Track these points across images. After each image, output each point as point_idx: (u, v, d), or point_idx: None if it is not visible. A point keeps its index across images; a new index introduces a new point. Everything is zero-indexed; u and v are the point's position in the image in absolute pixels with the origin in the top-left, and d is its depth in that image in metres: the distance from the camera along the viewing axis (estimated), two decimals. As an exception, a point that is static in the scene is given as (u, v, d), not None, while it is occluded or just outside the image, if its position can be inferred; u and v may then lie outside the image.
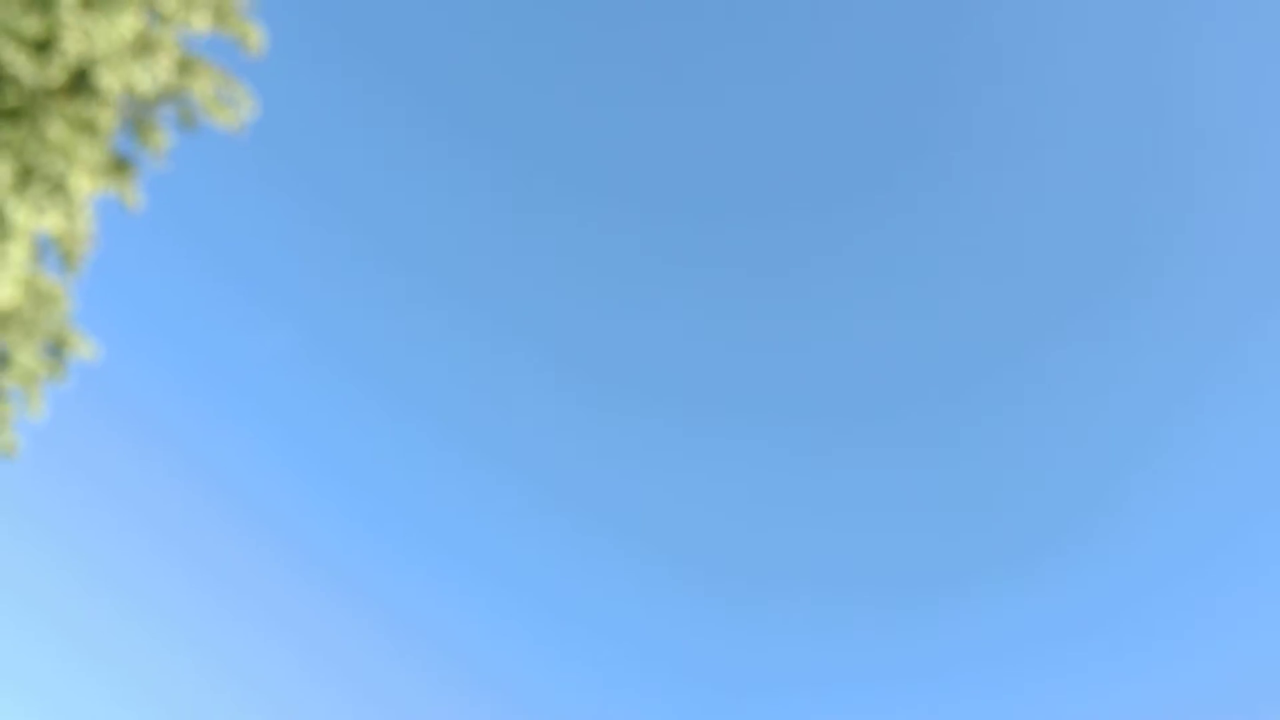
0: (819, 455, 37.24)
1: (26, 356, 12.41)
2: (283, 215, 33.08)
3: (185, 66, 12.92)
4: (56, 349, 12.55)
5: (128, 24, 11.96)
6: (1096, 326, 36.19)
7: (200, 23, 12.62)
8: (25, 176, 11.84)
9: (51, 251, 12.71)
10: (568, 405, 36.80)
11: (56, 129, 11.87)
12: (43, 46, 11.87)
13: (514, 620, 33.06)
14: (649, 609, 34.43)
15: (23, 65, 11.67)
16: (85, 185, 12.17)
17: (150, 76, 11.84)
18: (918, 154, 35.94)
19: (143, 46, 11.82)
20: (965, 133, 35.39)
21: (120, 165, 13.17)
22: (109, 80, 12.06)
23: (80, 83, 11.96)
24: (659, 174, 37.25)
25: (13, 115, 11.93)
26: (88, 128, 11.82)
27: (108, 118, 12.06)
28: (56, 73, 11.87)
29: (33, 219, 11.66)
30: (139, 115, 13.17)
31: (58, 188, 12.03)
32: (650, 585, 34.77)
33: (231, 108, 13.46)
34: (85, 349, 12.57)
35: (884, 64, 35.27)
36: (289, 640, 30.81)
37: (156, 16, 12.21)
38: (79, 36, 11.79)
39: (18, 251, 11.57)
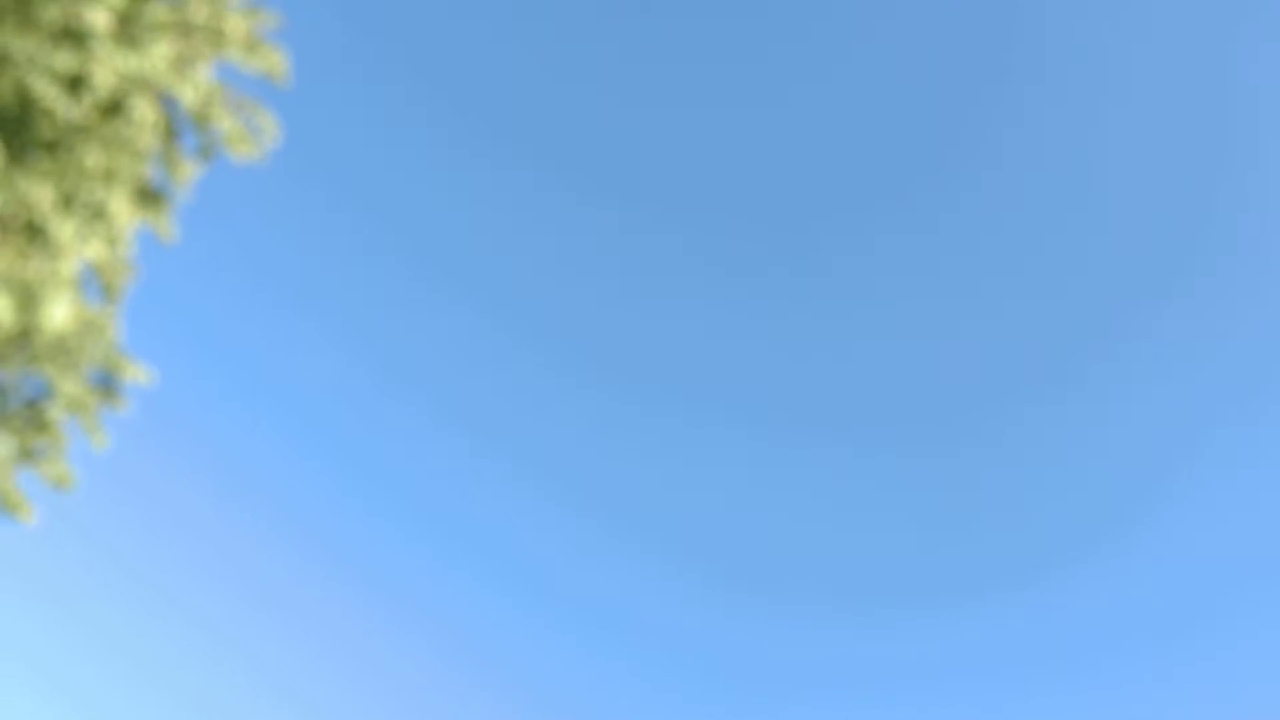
0: (838, 457, 37.51)
1: (73, 386, 12.44)
2: (312, 226, 33.66)
3: (211, 95, 13.20)
4: (108, 377, 12.59)
5: (161, 53, 12.23)
6: (1121, 336, 36.75)
7: (230, 52, 12.92)
8: (66, 203, 12.01)
9: (93, 282, 12.84)
10: (596, 408, 37.18)
11: (94, 156, 12.07)
12: (76, 82, 12.12)
13: (533, 617, 33.26)
14: (665, 607, 34.52)
15: (56, 100, 11.90)
16: (125, 212, 12.34)
17: (191, 88, 12.08)
18: (942, 159, 36.71)
19: (181, 63, 12.08)
20: (987, 140, 36.16)
21: (154, 197, 13.37)
22: (141, 106, 12.29)
23: (116, 108, 12.19)
24: (686, 177, 37.91)
25: (50, 147, 12.13)
26: (126, 147, 12.03)
27: (145, 140, 12.27)
28: (90, 107, 12.11)
29: (77, 242, 11.81)
30: (168, 147, 13.40)
31: (98, 215, 12.20)
32: (667, 584, 34.92)
33: (255, 137, 13.71)
34: (139, 374, 12.61)
35: (912, 68, 36.16)
36: (321, 640, 31.01)
37: (188, 38, 12.49)
38: (112, 70, 12.05)
39: (66, 270, 11.69)
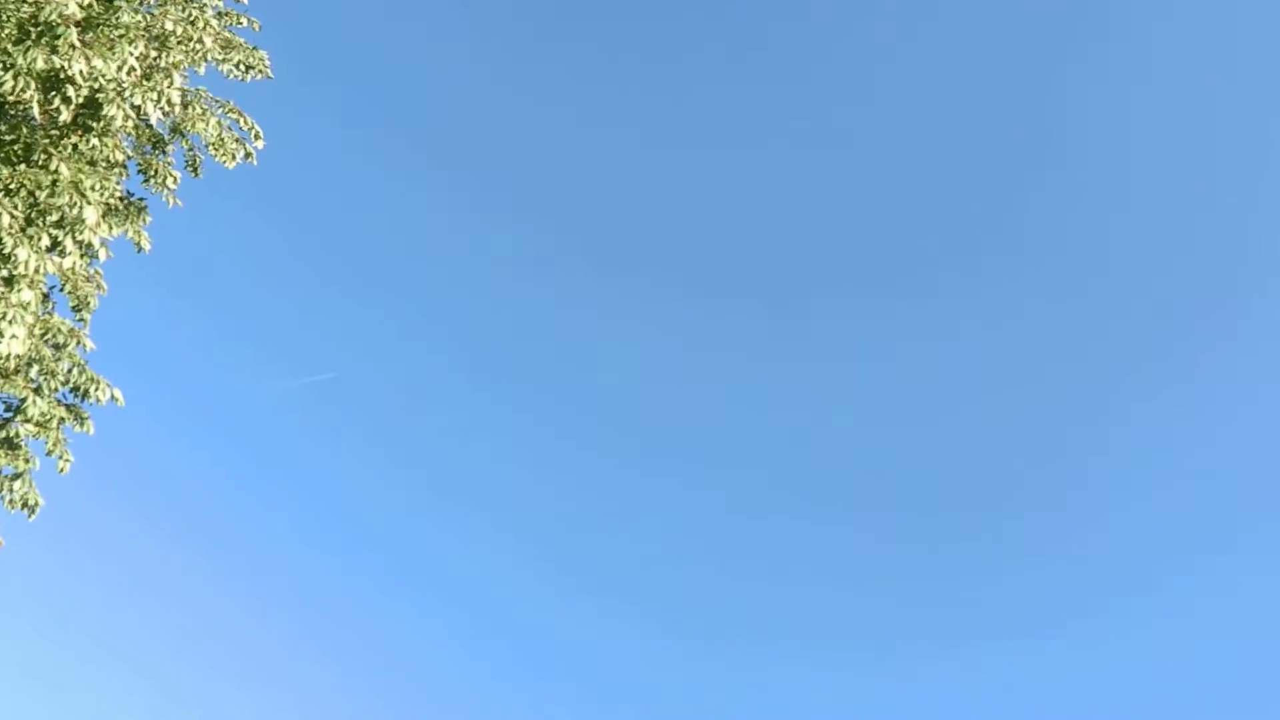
0: (833, 519, 37.22)
1: (41, 405, 11.89)
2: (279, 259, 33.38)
3: (190, 99, 12.62)
4: (76, 395, 12.03)
5: (135, 55, 11.62)
6: (1127, 414, 36.31)
7: (207, 51, 12.32)
8: (35, 217, 11.41)
9: (62, 295, 12.29)
10: (599, 473, 36.89)
11: (66, 166, 11.48)
12: (50, 81, 11.53)
13: (507, 660, 32.98)
14: (652, 658, 34.20)
15: (31, 99, 11.31)
16: (95, 224, 11.74)
17: (157, 98, 11.43)
18: (953, 250, 36.38)
19: (149, 73, 11.46)
20: (1000, 231, 35.72)
21: (131, 207, 12.80)
22: (115, 111, 11.68)
23: (88, 116, 11.60)
24: (692, 257, 37.80)
25: (24, 153, 11.56)
26: (97, 162, 11.44)
27: (116, 151, 11.68)
28: (64, 107, 11.51)
29: (42, 262, 11.21)
30: (147, 155, 12.83)
31: (67, 227, 11.60)
32: (652, 633, 34.63)
33: (239, 143, 13.12)
34: (110, 394, 12.00)
35: (928, 153, 35.66)
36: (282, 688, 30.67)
37: (162, 45, 11.89)
38: (86, 69, 11.45)
39: (26, 297, 11.08)
